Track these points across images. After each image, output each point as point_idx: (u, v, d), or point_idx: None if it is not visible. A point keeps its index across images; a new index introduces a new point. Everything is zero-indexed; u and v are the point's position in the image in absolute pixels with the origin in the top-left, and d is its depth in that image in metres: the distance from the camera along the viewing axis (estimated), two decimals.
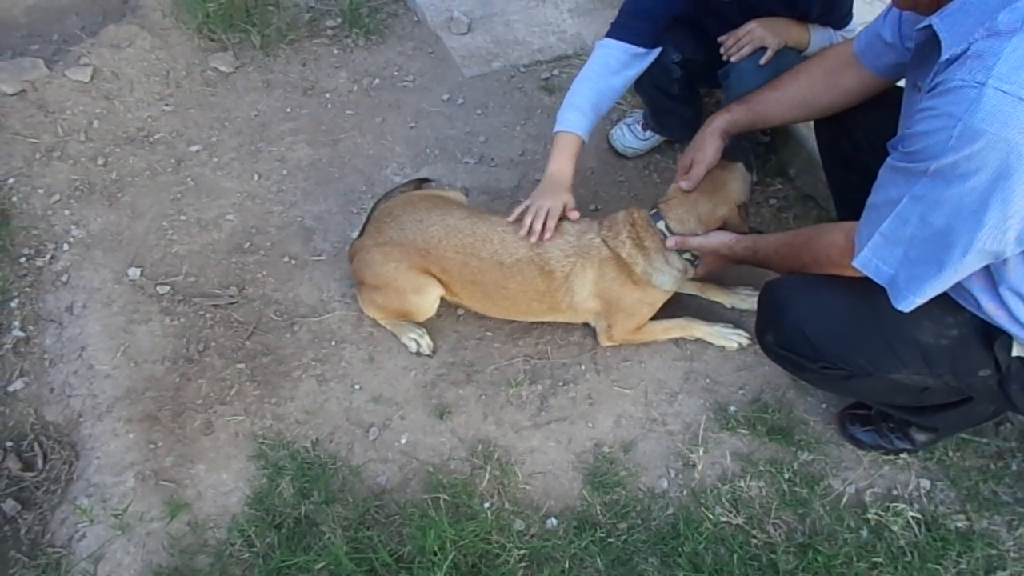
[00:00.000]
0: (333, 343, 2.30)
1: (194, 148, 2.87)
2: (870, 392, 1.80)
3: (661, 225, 2.05)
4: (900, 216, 1.37)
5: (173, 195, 2.71)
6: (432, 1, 3.50)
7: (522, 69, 3.21)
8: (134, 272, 2.45)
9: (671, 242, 2.04)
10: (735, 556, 1.86)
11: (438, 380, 2.22)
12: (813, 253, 1.70)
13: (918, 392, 1.76)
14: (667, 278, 2.11)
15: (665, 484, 2.02)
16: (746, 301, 2.34)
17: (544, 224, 2.06)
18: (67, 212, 2.62)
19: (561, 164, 2.16)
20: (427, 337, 2.27)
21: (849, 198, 1.85)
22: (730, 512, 1.95)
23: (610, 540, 1.90)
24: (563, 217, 2.12)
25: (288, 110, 3.04)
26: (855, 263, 1.48)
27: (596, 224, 2.12)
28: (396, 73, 3.21)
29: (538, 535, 1.91)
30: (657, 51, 2.27)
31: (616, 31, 2.21)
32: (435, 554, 1.81)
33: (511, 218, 2.12)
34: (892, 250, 1.41)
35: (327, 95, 3.11)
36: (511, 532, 1.91)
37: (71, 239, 2.54)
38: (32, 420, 2.15)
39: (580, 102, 2.19)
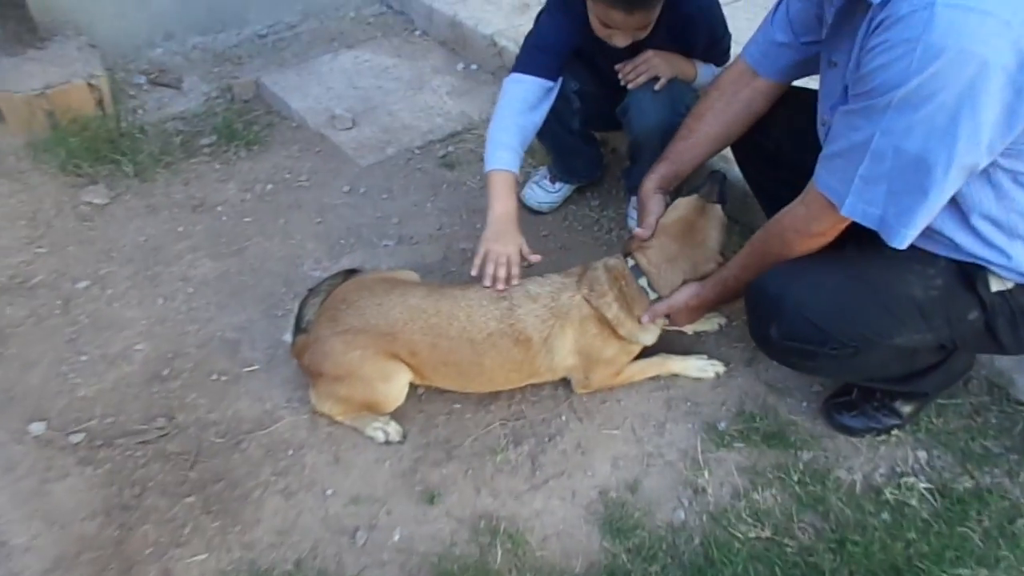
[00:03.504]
0: (290, 452, 2.06)
1: (81, 284, 2.60)
2: (874, 366, 1.79)
3: (644, 283, 1.99)
4: (875, 154, 1.41)
5: (67, 337, 2.41)
6: (309, 105, 3.46)
7: (417, 151, 3.19)
8: (37, 427, 2.12)
9: (645, 319, 2.00)
10: (776, 569, 1.77)
11: (416, 465, 2.03)
12: (780, 239, 1.72)
13: (909, 357, 1.78)
14: (651, 335, 2.08)
15: (682, 515, 1.91)
16: (706, 323, 2.34)
17: (508, 272, 2.00)
18: None
19: (505, 204, 2.12)
20: (393, 423, 2.09)
21: (781, 195, 1.91)
22: (755, 527, 1.86)
23: None
24: (523, 260, 2.07)
25: (180, 229, 2.84)
26: (843, 212, 1.49)
27: (571, 281, 2.04)
28: (288, 176, 3.10)
29: None
30: (559, 83, 2.32)
31: (526, 65, 2.25)
32: None
33: (473, 271, 2.03)
34: (875, 190, 1.44)
35: (219, 208, 2.94)
36: None
37: None
38: None
39: (508, 140, 2.18)
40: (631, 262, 2.01)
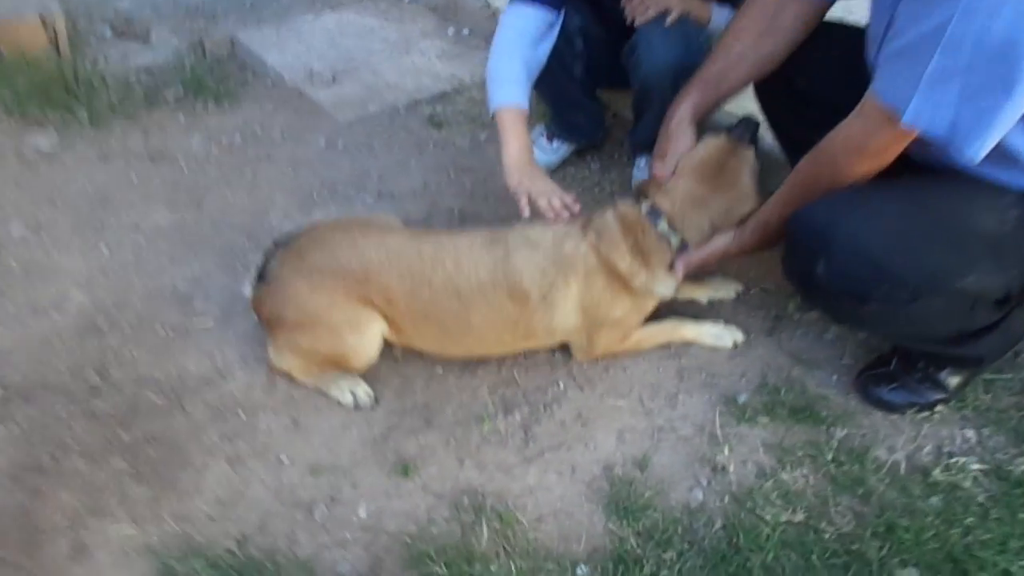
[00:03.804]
0: (242, 415, 1.76)
1: (16, 231, 2.30)
2: (931, 318, 1.52)
3: (664, 228, 1.72)
4: (950, 43, 1.16)
5: None
6: (287, 61, 3.19)
7: (402, 110, 2.93)
8: None
9: (678, 268, 1.74)
10: (812, 557, 1.49)
11: (389, 433, 1.74)
12: (831, 163, 1.46)
13: (968, 311, 1.53)
14: (670, 286, 1.80)
15: (700, 496, 1.63)
16: (721, 290, 2.08)
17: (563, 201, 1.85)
18: None
19: (521, 141, 1.93)
20: (364, 384, 1.80)
21: (810, 140, 1.66)
22: (785, 510, 1.59)
23: (662, 575, 1.46)
24: None
25: (134, 179, 2.55)
26: (905, 121, 1.25)
27: (575, 228, 1.78)
28: (259, 130, 2.82)
29: None
30: (561, 18, 2.09)
31: None
32: None
33: (524, 213, 1.84)
34: (946, 90, 1.20)
35: (180, 159, 2.65)
36: None
37: None
38: None
39: (512, 74, 1.96)
40: (646, 206, 1.75)
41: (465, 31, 3.47)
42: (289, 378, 1.82)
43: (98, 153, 2.65)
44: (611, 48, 2.25)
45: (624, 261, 1.72)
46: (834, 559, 1.49)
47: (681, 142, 1.78)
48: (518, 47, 2.01)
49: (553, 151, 2.59)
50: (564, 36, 2.15)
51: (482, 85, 3.07)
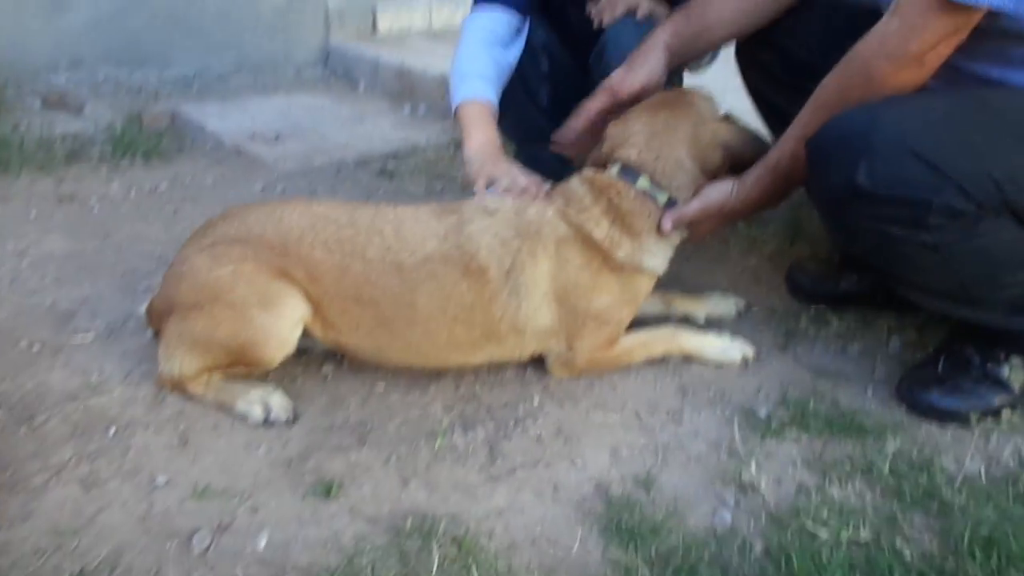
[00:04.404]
0: (112, 431, 1.32)
1: None
2: (997, 257, 1.21)
3: (644, 184, 1.44)
4: None
5: None
6: (229, 126, 2.97)
7: (351, 163, 2.69)
8: None
9: (667, 225, 1.44)
10: None
11: (310, 451, 1.31)
12: (864, 73, 1.22)
13: None
14: (662, 259, 1.49)
15: (728, 517, 1.22)
16: (720, 306, 1.75)
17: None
18: None
19: (486, 132, 1.65)
20: (279, 394, 1.38)
21: (790, 109, 1.43)
22: (844, 529, 1.18)
23: None
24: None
25: (33, 215, 2.20)
26: None
27: (539, 197, 1.50)
28: (189, 180, 2.53)
29: None
30: (527, 25, 1.91)
31: None
32: None
33: (477, 187, 1.52)
34: None
35: (92, 201, 2.33)
36: None
37: None
38: None
39: (481, 69, 1.74)
40: (614, 167, 1.47)
41: (422, 108, 3.33)
42: (182, 391, 1.39)
43: None
44: (576, 79, 2.08)
45: (600, 228, 1.41)
46: None
47: (652, 59, 1.54)
48: (486, 45, 1.81)
49: None
50: (529, 53, 1.97)
51: (439, 147, 2.88)
